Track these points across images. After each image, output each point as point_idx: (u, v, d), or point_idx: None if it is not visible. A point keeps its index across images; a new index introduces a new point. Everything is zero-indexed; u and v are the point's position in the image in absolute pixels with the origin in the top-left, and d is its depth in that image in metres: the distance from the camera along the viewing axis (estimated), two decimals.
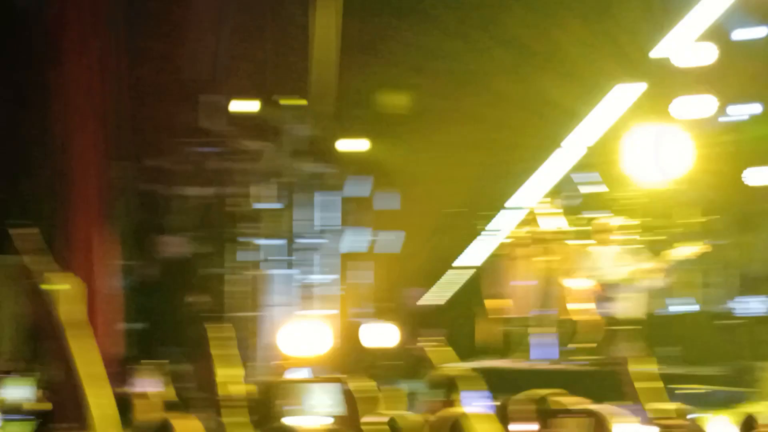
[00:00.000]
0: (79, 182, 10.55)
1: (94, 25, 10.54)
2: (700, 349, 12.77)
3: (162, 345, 10.96)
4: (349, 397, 3.13)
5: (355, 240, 14.63)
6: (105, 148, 10.93)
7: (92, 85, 10.65)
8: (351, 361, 13.04)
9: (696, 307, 13.86)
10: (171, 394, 6.74)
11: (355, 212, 15.41)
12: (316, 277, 14.45)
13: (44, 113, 10.42)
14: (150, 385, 6.21)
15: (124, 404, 5.58)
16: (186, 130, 12.73)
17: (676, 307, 13.75)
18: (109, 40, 10.70)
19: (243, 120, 13.03)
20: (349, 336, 13.34)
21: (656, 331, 12.51)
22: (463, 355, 13.51)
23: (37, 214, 10.37)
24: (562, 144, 15.18)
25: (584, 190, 13.87)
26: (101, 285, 10.72)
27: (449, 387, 6.10)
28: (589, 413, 3.94)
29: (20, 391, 4.46)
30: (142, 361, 11.31)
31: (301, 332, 12.93)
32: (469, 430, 4.37)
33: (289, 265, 14.06)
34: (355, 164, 15.02)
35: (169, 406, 6.01)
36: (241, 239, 12.67)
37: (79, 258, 10.43)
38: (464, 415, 4.61)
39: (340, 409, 3.20)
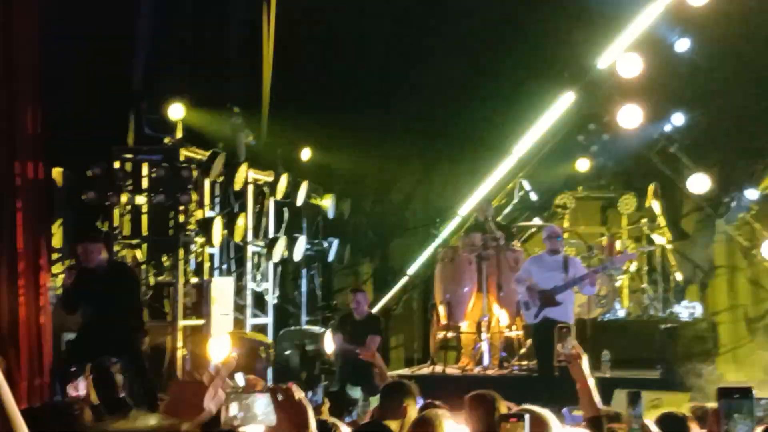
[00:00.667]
0: (17, 189, 10.45)
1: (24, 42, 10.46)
2: (634, 353, 12.98)
3: (102, 352, 10.87)
4: (282, 406, 3.15)
5: (302, 248, 14.63)
6: (42, 154, 10.84)
7: (26, 87, 10.56)
8: (294, 369, 13.04)
9: (625, 313, 14.08)
10: (108, 399, 6.74)
11: (302, 220, 15.43)
12: (261, 285, 14.44)
13: None
14: (85, 392, 6.19)
15: (59, 411, 5.56)
16: (128, 137, 12.66)
17: (611, 313, 13.95)
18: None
19: (189, 127, 12.98)
20: (292, 344, 13.34)
21: (593, 336, 12.70)
22: (410, 362, 13.62)
23: None
24: (511, 151, 15.34)
25: (526, 197, 14.01)
26: (38, 293, 10.63)
27: (404, 393, 6.14)
28: (528, 415, 4.00)
29: None
30: (81, 368, 11.25)
31: (239, 340, 12.91)
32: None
33: (236, 273, 14.04)
34: (302, 173, 15.04)
35: (103, 413, 6.00)
36: (185, 247, 12.61)
37: (17, 265, 10.33)
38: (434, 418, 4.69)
39: (273, 418, 3.21)
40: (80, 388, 6.16)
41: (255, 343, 12.83)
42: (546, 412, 4.88)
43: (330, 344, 12.91)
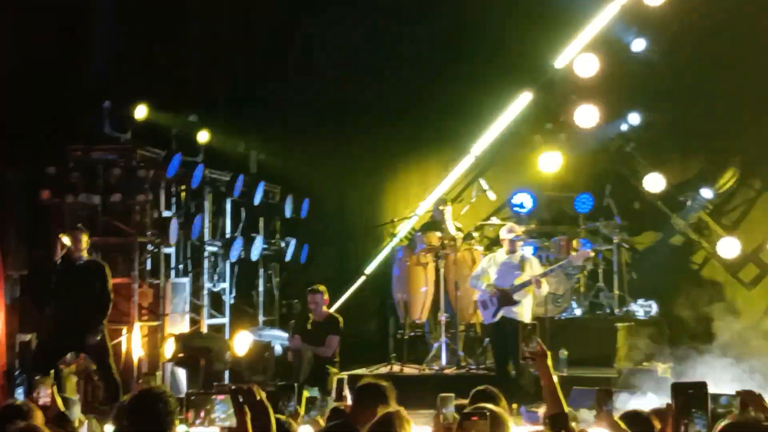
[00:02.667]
0: None
1: None
2: (591, 352, 13.05)
3: (59, 355, 10.78)
4: (243, 407, 3.13)
5: (259, 248, 14.57)
6: None
7: None
8: (249, 369, 12.98)
9: (582, 311, 14.14)
10: (67, 404, 6.65)
11: (260, 220, 15.38)
12: (218, 285, 14.37)
13: None
14: (45, 396, 6.10)
15: (13, 414, 5.50)
16: (86, 136, 12.54)
17: (568, 312, 14.01)
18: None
19: (147, 126, 12.89)
20: (247, 344, 13.27)
21: (550, 334, 12.75)
22: (368, 362, 13.59)
23: None
24: (470, 150, 15.37)
25: (484, 196, 14.03)
26: None
27: (379, 398, 6.09)
28: (487, 414, 4.01)
29: None
30: (37, 371, 11.14)
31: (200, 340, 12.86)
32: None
33: (192, 273, 13.95)
34: (259, 172, 14.99)
35: (62, 417, 5.94)
36: (141, 247, 12.52)
37: None
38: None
39: (233, 420, 3.19)
40: (42, 395, 6.07)
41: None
42: (503, 411, 4.90)
43: (242, 346, 12.94)
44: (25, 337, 11.57)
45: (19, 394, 10.45)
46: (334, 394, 7.42)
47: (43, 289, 10.63)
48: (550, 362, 4.99)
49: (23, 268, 11.69)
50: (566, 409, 4.83)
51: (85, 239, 10.68)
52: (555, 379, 4.93)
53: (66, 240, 10.49)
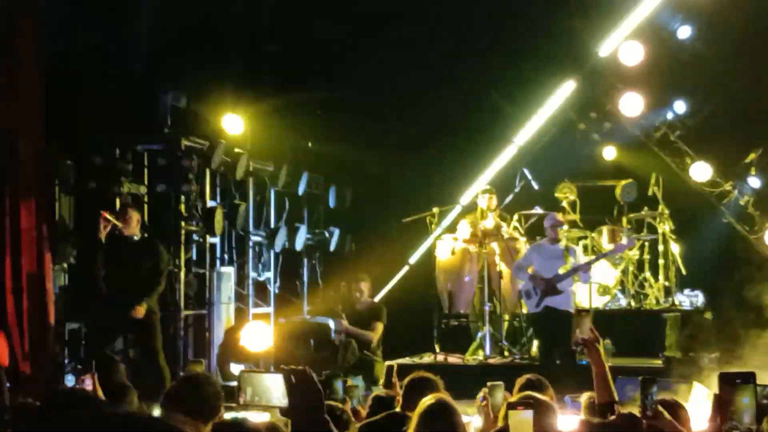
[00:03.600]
0: (21, 179, 10.44)
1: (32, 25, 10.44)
2: (636, 342, 12.98)
3: (108, 341, 10.92)
4: (296, 388, 3.15)
5: (303, 237, 14.63)
6: (46, 144, 10.82)
7: (29, 76, 10.53)
8: (296, 356, 13.04)
9: (626, 302, 14.07)
10: (123, 390, 6.73)
11: (304, 210, 15.44)
12: (263, 275, 14.45)
13: None
14: (88, 384, 6.17)
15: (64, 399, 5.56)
16: (133, 127, 12.65)
17: (613, 302, 13.95)
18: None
19: (192, 117, 12.97)
20: (295, 331, 13.34)
21: (594, 325, 12.68)
22: (412, 351, 13.62)
23: None
24: (513, 139, 15.33)
25: (527, 185, 13.99)
26: (42, 282, 10.63)
27: (428, 388, 6.13)
28: (534, 403, 4.02)
29: None
30: (84, 357, 11.29)
31: (247, 328, 12.92)
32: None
33: (237, 262, 14.04)
34: (303, 162, 15.03)
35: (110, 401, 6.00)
36: (186, 237, 12.61)
37: (21, 254, 10.33)
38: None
39: (285, 401, 3.21)
40: (86, 383, 6.14)
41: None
42: (549, 400, 4.90)
43: (331, 333, 12.96)
44: (73, 325, 11.71)
45: (69, 382, 10.58)
46: (383, 381, 7.44)
47: (94, 270, 10.78)
48: (602, 350, 4.99)
49: (70, 257, 11.82)
50: (616, 397, 4.82)
51: (135, 217, 10.79)
52: (606, 367, 4.92)
53: (111, 218, 10.60)
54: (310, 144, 15.27)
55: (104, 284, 10.83)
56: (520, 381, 5.99)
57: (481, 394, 4.17)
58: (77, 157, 11.98)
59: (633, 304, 14.13)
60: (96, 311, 11.14)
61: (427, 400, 4.75)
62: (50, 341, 10.59)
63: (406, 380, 6.45)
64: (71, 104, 11.44)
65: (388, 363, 7.55)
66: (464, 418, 4.92)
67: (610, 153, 15.27)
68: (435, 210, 14.76)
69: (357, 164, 15.85)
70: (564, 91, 15.22)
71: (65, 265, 11.82)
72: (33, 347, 10.27)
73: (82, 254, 11.81)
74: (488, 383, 4.91)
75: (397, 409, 6.27)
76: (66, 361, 11.44)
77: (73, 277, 11.87)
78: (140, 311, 10.59)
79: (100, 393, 6.19)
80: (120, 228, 10.67)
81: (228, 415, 5.10)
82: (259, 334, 12.50)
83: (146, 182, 12.60)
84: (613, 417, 4.71)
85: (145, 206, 12.67)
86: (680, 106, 14.89)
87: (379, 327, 12.33)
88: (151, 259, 10.82)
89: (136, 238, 10.80)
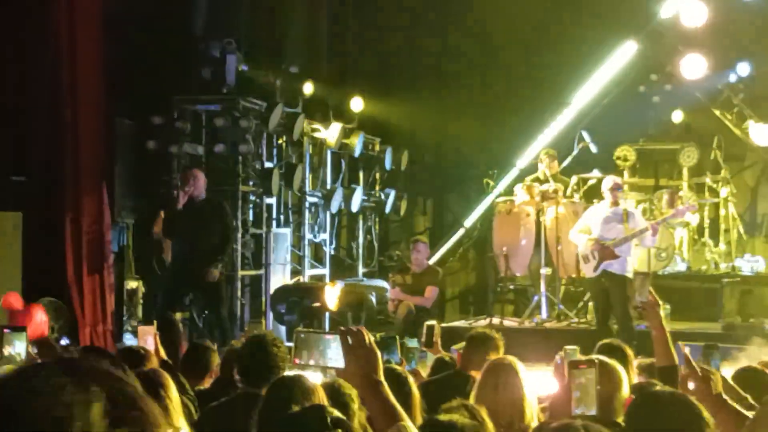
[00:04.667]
0: (80, 139, 10.54)
1: None
2: (695, 307, 12.86)
3: (174, 301, 11.06)
4: (352, 349, 3.14)
5: (359, 199, 14.64)
6: (105, 104, 10.92)
7: (89, 37, 10.60)
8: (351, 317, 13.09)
9: (686, 266, 13.92)
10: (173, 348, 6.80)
11: (360, 171, 15.44)
12: (319, 236, 14.49)
13: (46, 67, 10.38)
14: (150, 344, 6.23)
15: (130, 357, 5.62)
16: (191, 87, 12.70)
17: (671, 267, 13.80)
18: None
19: (250, 77, 12.99)
20: (350, 293, 13.37)
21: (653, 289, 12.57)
22: (466, 314, 13.62)
23: (40, 169, 10.39)
24: (570, 101, 15.18)
25: (586, 148, 13.84)
26: (102, 241, 10.76)
27: (489, 347, 6.13)
28: (597, 363, 3.97)
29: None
30: (146, 317, 11.42)
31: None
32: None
33: (293, 224, 14.09)
34: (359, 124, 15.00)
35: (165, 365, 6.04)
36: (243, 197, 12.68)
37: (81, 213, 10.45)
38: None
39: (341, 362, 3.20)
40: (149, 343, 6.20)
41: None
42: (616, 364, 4.83)
43: (331, 299, 12.98)
44: (132, 283, 11.84)
45: (128, 340, 10.70)
46: (423, 339, 7.42)
47: (167, 227, 10.89)
48: (662, 313, 4.93)
49: (130, 216, 11.94)
50: (676, 361, 4.76)
51: (203, 178, 10.87)
52: (667, 331, 4.86)
53: (187, 189, 10.71)
54: (365, 105, 15.21)
55: (172, 246, 10.95)
56: (598, 345, 5.94)
57: (557, 358, 4.12)
58: (137, 117, 12.06)
59: (692, 268, 13.97)
60: (161, 272, 11.26)
61: (494, 359, 4.73)
62: (110, 301, 10.73)
63: (467, 337, 6.44)
64: (131, 64, 11.51)
65: (428, 322, 7.52)
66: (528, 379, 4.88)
67: (670, 116, 15.05)
68: (493, 172, 14.69)
69: (414, 125, 15.80)
70: (625, 52, 15.01)
71: (124, 224, 11.94)
72: (93, 307, 10.41)
73: (141, 213, 11.92)
74: (565, 347, 4.87)
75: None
76: (124, 319, 11.58)
77: (133, 236, 11.98)
78: (214, 273, 10.70)
79: (162, 352, 6.24)
80: (187, 191, 10.74)
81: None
82: (331, 295, 12.60)
83: (204, 143, 12.66)
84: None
85: (204, 167, 12.74)
86: (743, 68, 14.61)
87: (435, 290, 12.32)
88: (218, 220, 10.89)
89: (202, 196, 10.88)
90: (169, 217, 10.82)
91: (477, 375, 5.78)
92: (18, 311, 8.92)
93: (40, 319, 8.90)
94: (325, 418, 3.19)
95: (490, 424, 3.93)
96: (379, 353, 3.20)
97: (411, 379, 5.09)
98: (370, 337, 3.22)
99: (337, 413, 3.29)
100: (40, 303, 9.34)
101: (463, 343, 6.51)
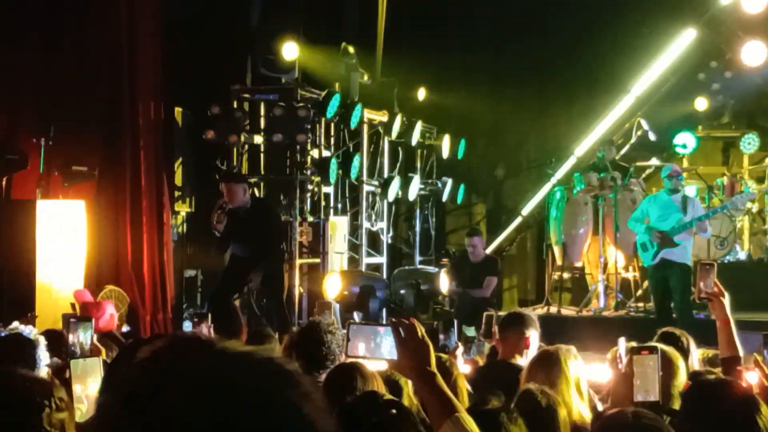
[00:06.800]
0: (139, 129, 10.68)
1: None
2: (755, 296, 12.69)
3: (222, 290, 11.15)
4: (404, 342, 3.16)
5: (416, 187, 14.66)
6: (164, 95, 11.03)
7: (148, 28, 10.72)
8: (408, 308, 13.12)
9: (746, 255, 13.76)
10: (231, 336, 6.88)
11: (417, 160, 15.45)
12: (376, 224, 14.54)
13: (106, 59, 10.52)
14: (206, 330, 6.29)
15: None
16: (249, 77, 12.80)
17: (731, 255, 13.66)
18: None
19: (305, 67, 13.07)
20: (406, 283, 13.41)
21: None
22: (524, 303, 13.60)
23: (101, 159, 10.53)
24: (629, 89, 15.07)
25: (645, 136, 13.73)
26: (161, 230, 10.89)
27: (524, 324, 6.10)
28: (656, 350, 3.97)
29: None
30: (201, 304, 11.56)
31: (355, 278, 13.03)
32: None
33: (351, 212, 14.15)
34: (416, 112, 15.01)
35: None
36: (301, 186, 12.76)
37: (141, 203, 10.58)
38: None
39: (393, 354, 3.22)
40: (203, 332, 6.27)
41: (370, 281, 12.96)
42: (674, 352, 4.82)
43: (444, 284, 12.96)
44: (191, 272, 11.98)
45: (187, 328, 10.83)
46: (483, 329, 7.44)
47: (222, 239, 11.05)
48: (727, 303, 4.90)
49: (189, 205, 12.07)
50: (740, 353, 4.74)
51: (235, 189, 10.78)
52: (732, 322, 4.84)
53: (219, 212, 10.88)
54: (423, 94, 15.21)
55: (230, 247, 11.11)
56: (658, 334, 5.92)
57: (619, 348, 4.12)
58: (195, 108, 12.18)
59: (752, 257, 13.81)
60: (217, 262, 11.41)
61: (542, 351, 4.74)
62: (170, 289, 10.86)
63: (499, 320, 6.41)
64: (189, 54, 11.62)
65: (487, 312, 7.53)
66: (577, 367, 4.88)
67: (729, 103, 14.88)
68: (551, 160, 14.62)
69: (471, 114, 15.77)
70: (684, 39, 14.85)
71: (183, 214, 12.07)
72: (153, 295, 10.54)
73: (200, 203, 12.05)
74: (620, 339, 4.86)
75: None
76: (184, 307, 11.72)
77: (191, 225, 12.12)
78: (256, 281, 10.89)
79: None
80: (228, 204, 10.85)
81: None
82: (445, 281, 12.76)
83: (262, 132, 12.76)
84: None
85: (262, 156, 12.85)
86: None
87: (494, 281, 12.32)
88: (264, 222, 10.92)
89: (248, 204, 10.87)
90: (225, 224, 10.99)
91: (519, 358, 5.80)
92: (90, 304, 9.08)
93: (110, 312, 9.05)
94: (378, 401, 3.21)
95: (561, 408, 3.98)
96: (430, 345, 3.22)
97: (455, 366, 5.14)
98: (422, 330, 3.24)
99: (390, 396, 3.31)
100: (109, 296, 9.52)
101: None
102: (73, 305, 9.00)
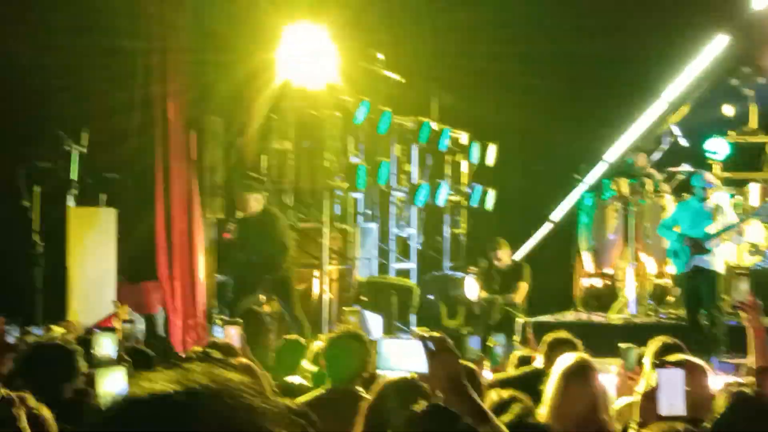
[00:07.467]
0: (169, 133, 10.74)
1: None
2: None
3: (251, 296, 11.19)
4: (433, 355, 3.16)
5: (445, 193, 14.65)
6: (196, 100, 11.09)
7: (180, 38, 10.79)
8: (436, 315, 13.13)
9: None
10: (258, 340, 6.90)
11: (446, 166, 15.43)
12: (405, 230, 14.54)
13: (137, 69, 10.59)
14: (236, 339, 6.32)
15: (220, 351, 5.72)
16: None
17: (764, 262, 13.54)
18: None
19: (338, 72, 13.09)
20: (435, 290, 13.41)
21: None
22: (554, 310, 13.54)
23: (133, 166, 10.60)
24: (661, 95, 15.00)
25: (676, 142, 13.66)
26: (192, 236, 10.94)
27: (569, 346, 6.10)
28: (685, 364, 3.95)
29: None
30: (234, 311, 11.60)
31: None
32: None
33: (380, 218, 14.15)
34: (445, 118, 14.99)
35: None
36: (330, 192, 12.78)
37: (171, 210, 10.64)
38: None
39: (425, 366, 3.21)
40: (234, 339, 6.29)
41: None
42: (701, 362, 4.79)
43: (472, 290, 12.94)
44: (221, 277, 12.02)
45: (218, 333, 10.87)
46: (519, 337, 7.46)
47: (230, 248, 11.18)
48: (761, 312, 4.88)
49: (219, 211, 12.12)
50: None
51: (246, 198, 10.99)
52: (765, 331, 4.81)
53: (230, 229, 11.00)
54: (450, 99, 15.19)
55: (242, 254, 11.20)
56: (655, 344, 5.83)
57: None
58: (225, 114, 12.23)
59: None
60: (236, 271, 11.47)
61: (568, 360, 4.72)
62: (200, 294, 10.91)
63: (549, 339, 6.40)
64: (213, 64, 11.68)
65: (523, 320, 7.54)
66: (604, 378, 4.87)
67: (762, 109, 14.75)
68: (581, 166, 14.56)
69: (500, 120, 15.73)
70: (716, 45, 14.77)
71: (215, 219, 12.13)
72: (184, 300, 10.60)
73: (231, 209, 12.09)
74: (620, 345, 4.85)
75: (535, 366, 6.25)
76: (215, 312, 11.76)
77: (222, 230, 12.17)
78: (261, 299, 11.00)
79: (248, 352, 6.33)
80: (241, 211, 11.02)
81: None
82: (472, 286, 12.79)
83: (292, 138, 12.78)
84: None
85: (290, 162, 12.86)
86: None
87: (523, 287, 12.29)
88: (270, 231, 11.03)
89: (255, 215, 11.06)
90: (235, 232, 11.13)
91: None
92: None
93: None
94: (447, 413, 3.20)
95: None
96: (460, 358, 3.23)
97: (480, 375, 5.15)
98: (450, 342, 3.24)
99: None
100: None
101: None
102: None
